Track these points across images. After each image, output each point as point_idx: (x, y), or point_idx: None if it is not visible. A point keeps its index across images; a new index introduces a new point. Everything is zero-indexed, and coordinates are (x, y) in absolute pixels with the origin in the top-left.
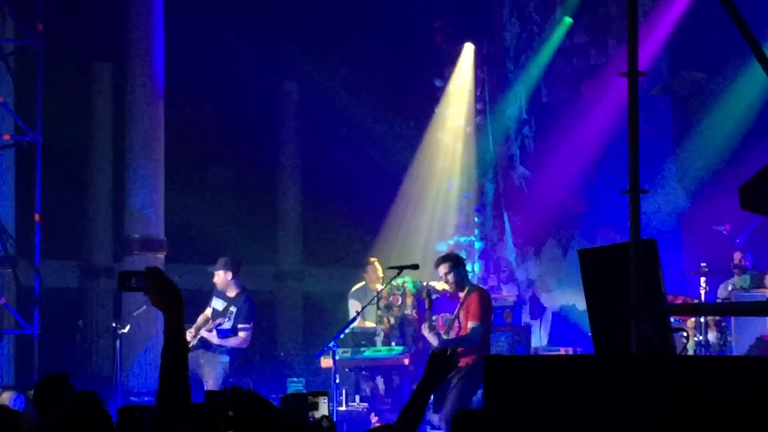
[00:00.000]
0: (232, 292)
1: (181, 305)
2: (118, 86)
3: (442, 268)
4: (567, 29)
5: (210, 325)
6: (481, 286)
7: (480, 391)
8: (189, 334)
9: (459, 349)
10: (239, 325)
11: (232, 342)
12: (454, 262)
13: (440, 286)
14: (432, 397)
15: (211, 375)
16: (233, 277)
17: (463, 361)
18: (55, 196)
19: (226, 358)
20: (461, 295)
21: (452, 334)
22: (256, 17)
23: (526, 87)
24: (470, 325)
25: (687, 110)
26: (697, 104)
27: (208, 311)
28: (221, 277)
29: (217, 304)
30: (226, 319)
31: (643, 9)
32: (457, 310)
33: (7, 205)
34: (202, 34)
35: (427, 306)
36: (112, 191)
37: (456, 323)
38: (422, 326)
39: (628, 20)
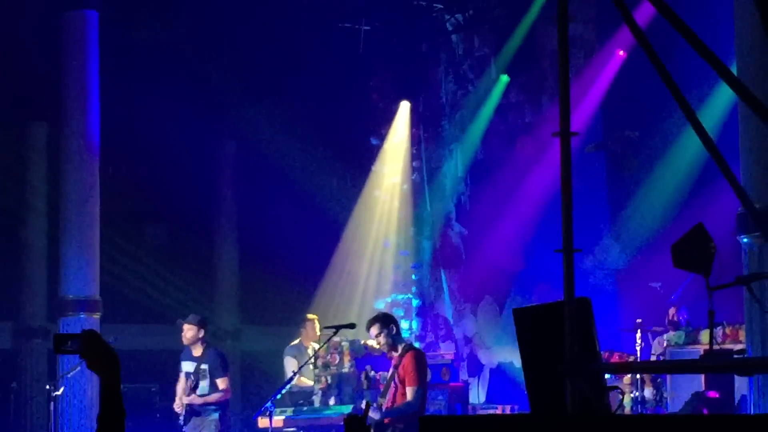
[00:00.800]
0: (198, 351)
1: (117, 367)
2: (53, 145)
3: (374, 330)
4: (504, 87)
5: (187, 389)
6: (413, 345)
7: None
8: (176, 406)
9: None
10: (217, 379)
11: (215, 397)
12: (384, 322)
13: (377, 344)
14: None
15: None
16: (203, 335)
17: (399, 424)
18: None
19: (215, 415)
20: (393, 355)
21: (389, 397)
22: (193, 76)
23: (462, 144)
24: (408, 391)
25: (621, 168)
26: (632, 162)
27: (182, 377)
28: (193, 332)
29: (188, 366)
30: (201, 378)
31: (577, 66)
32: (391, 371)
33: None
34: (137, 93)
35: (365, 386)
36: (47, 251)
37: (392, 385)
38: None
39: (560, 81)
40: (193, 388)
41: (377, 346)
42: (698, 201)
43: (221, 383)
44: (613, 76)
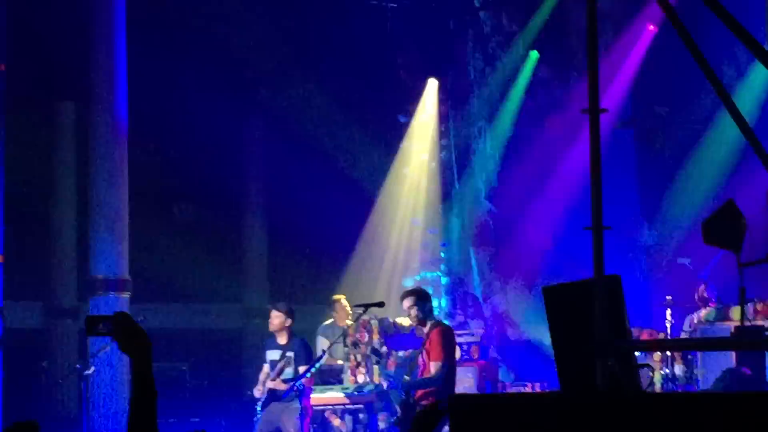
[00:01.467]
0: (283, 339)
1: (148, 349)
2: (82, 126)
3: (406, 302)
4: (534, 64)
5: (273, 374)
6: (443, 322)
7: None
8: (257, 391)
9: (419, 392)
10: (300, 367)
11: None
12: (419, 296)
13: (405, 322)
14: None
15: (291, 422)
16: (290, 324)
17: (427, 400)
18: (19, 237)
19: (297, 403)
20: (424, 330)
21: (417, 373)
22: (221, 54)
23: (490, 122)
24: (432, 366)
25: (651, 145)
26: (661, 139)
27: (266, 366)
28: (281, 319)
29: (273, 355)
30: (287, 365)
31: (605, 42)
32: (421, 346)
33: None
34: (165, 72)
35: (373, 361)
36: (76, 231)
37: (420, 361)
38: (381, 379)
39: (588, 57)
40: (278, 375)
41: (408, 319)
42: (729, 178)
43: (302, 369)
44: (642, 52)
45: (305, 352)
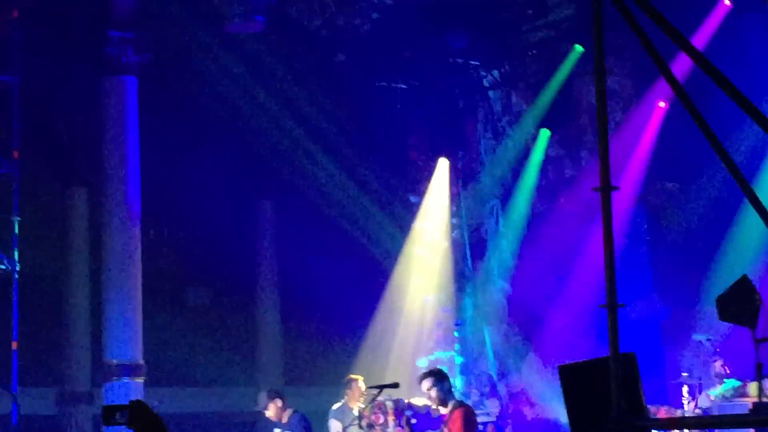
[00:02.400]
0: (285, 417)
1: None
2: (94, 210)
3: (425, 384)
4: (546, 142)
5: None
6: (464, 402)
7: None
8: None
9: None
10: None
11: None
12: (438, 377)
13: (421, 402)
14: None
15: None
16: (283, 403)
17: None
18: (33, 323)
19: None
20: (444, 411)
21: None
22: (230, 137)
23: (502, 200)
24: None
25: (662, 220)
26: (672, 214)
27: None
28: (272, 409)
29: None
30: None
31: (615, 119)
32: (442, 427)
33: None
34: (177, 156)
35: (405, 429)
36: (89, 316)
37: None
38: None
39: (599, 136)
40: None
41: (426, 402)
42: (739, 253)
43: None
44: (652, 128)
45: (302, 427)
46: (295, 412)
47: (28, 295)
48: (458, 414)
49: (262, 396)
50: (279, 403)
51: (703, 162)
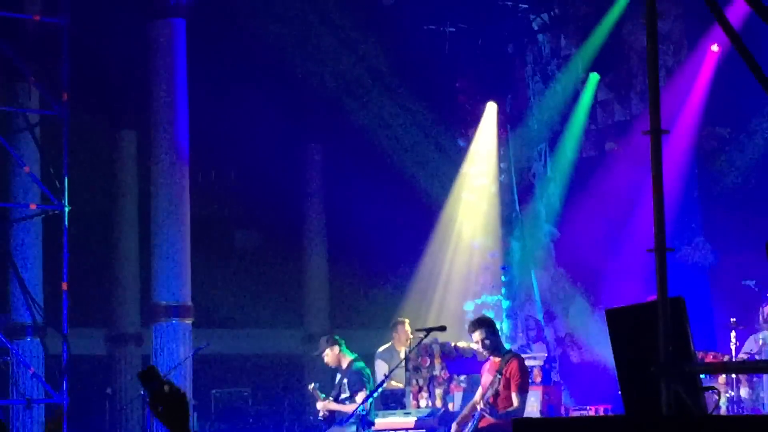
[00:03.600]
0: (345, 364)
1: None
2: (143, 153)
3: (478, 334)
4: (595, 86)
5: (333, 397)
6: (516, 352)
7: None
8: (321, 411)
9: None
10: (355, 394)
11: (349, 408)
12: (490, 328)
13: (467, 345)
14: None
15: None
16: (340, 351)
17: (488, 421)
18: (82, 264)
19: (353, 428)
20: (494, 359)
21: (486, 400)
22: (279, 81)
23: (550, 144)
24: (515, 398)
25: (712, 165)
26: (723, 159)
27: (311, 387)
28: (330, 355)
29: (337, 378)
30: (342, 391)
31: (666, 63)
32: (494, 376)
33: (34, 275)
34: (225, 99)
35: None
36: (138, 258)
37: (495, 390)
38: (479, 403)
39: (648, 79)
40: (335, 398)
41: (478, 349)
42: None
43: (358, 397)
44: (705, 73)
45: (359, 378)
46: (355, 361)
47: (78, 236)
48: (515, 363)
49: (322, 341)
50: (336, 349)
51: (756, 107)
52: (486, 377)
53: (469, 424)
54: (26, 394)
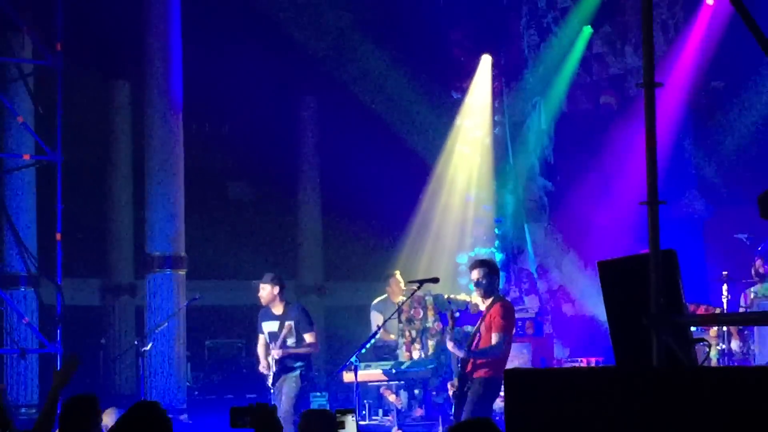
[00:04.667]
0: (278, 309)
1: None
2: (137, 104)
3: (477, 272)
4: (587, 39)
5: (277, 344)
6: (504, 297)
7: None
8: (262, 368)
9: (479, 361)
10: (304, 334)
11: (303, 350)
12: (491, 268)
13: (461, 298)
14: (453, 410)
15: (284, 391)
16: (280, 292)
17: (481, 373)
18: (76, 215)
19: (296, 372)
20: (485, 303)
21: (473, 345)
22: (273, 32)
23: (545, 98)
24: (494, 336)
25: (707, 119)
26: (716, 113)
27: (262, 338)
28: (268, 291)
29: (270, 326)
30: (288, 336)
31: (661, 16)
32: (479, 320)
33: (28, 225)
34: (219, 50)
35: (450, 323)
36: (132, 209)
37: (477, 334)
38: (446, 340)
39: (643, 32)
40: (282, 345)
41: (467, 297)
42: None
43: (309, 337)
44: (700, 27)
45: (305, 316)
46: (291, 302)
47: (72, 187)
48: (497, 308)
49: (268, 275)
50: (276, 290)
51: (752, 62)
52: (477, 324)
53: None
54: (20, 344)
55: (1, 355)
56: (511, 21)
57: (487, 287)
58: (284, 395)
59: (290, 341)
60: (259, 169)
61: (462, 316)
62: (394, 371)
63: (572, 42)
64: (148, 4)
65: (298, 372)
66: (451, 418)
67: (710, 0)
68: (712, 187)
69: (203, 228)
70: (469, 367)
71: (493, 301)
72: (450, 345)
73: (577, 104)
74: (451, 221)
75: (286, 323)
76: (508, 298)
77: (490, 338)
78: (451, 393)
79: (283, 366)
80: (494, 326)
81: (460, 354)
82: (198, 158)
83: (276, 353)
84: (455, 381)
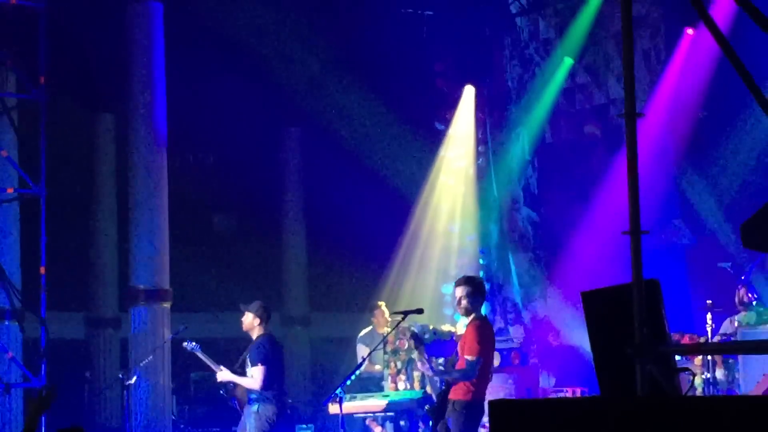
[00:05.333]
0: (255, 336)
1: None
2: (121, 137)
3: (461, 290)
4: (568, 70)
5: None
6: (483, 317)
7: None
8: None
9: (458, 383)
10: (252, 366)
11: (242, 381)
12: (475, 287)
13: (445, 328)
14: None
15: (245, 426)
16: (260, 324)
17: (457, 395)
18: (60, 248)
19: (255, 407)
20: (466, 322)
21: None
22: (256, 64)
23: (528, 128)
24: (466, 358)
25: (690, 148)
26: (699, 142)
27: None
28: (249, 319)
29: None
30: (247, 366)
31: (642, 47)
32: (460, 342)
33: (12, 259)
34: (203, 83)
35: (415, 345)
36: (116, 242)
37: (456, 357)
38: (417, 361)
39: (624, 62)
40: (241, 371)
41: (450, 328)
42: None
43: (253, 371)
44: (680, 56)
45: (256, 350)
46: (261, 336)
47: (56, 220)
48: (471, 328)
49: (255, 304)
50: (257, 321)
51: (731, 89)
52: None
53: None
54: (4, 379)
55: None
56: (494, 52)
57: (468, 305)
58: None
59: (248, 372)
60: (243, 200)
61: (448, 345)
62: (379, 403)
63: (554, 72)
64: (132, 38)
65: (255, 407)
66: None
67: (690, 30)
68: (696, 215)
69: (188, 260)
70: (451, 390)
71: (470, 321)
72: (420, 364)
73: (561, 134)
74: (435, 252)
75: (246, 354)
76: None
77: (464, 360)
78: (427, 408)
79: (244, 397)
80: (467, 348)
81: (429, 373)
82: (182, 190)
83: (219, 376)
84: (434, 396)
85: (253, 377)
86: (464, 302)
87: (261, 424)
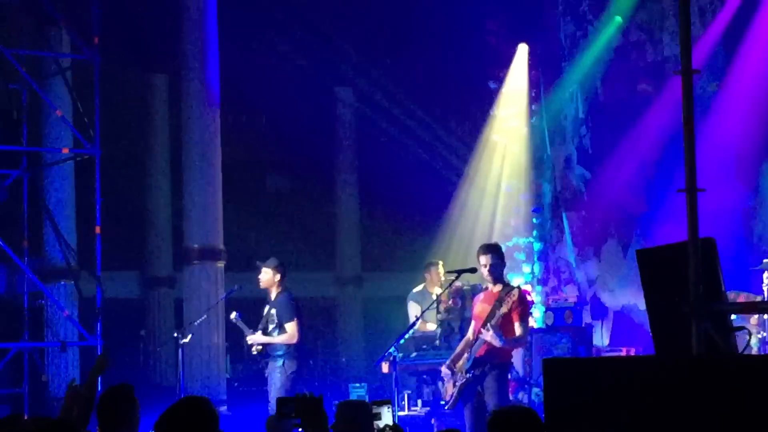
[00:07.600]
0: (273, 295)
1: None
2: (174, 97)
3: (486, 258)
4: (618, 28)
5: (251, 330)
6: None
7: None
8: (253, 350)
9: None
10: (285, 323)
11: (279, 339)
12: (500, 255)
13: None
14: (455, 393)
15: (271, 381)
16: (280, 280)
17: (503, 358)
18: (115, 208)
19: (279, 362)
20: (492, 289)
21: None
22: (310, 24)
23: (582, 86)
24: (518, 326)
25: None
26: (756, 99)
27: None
28: (269, 276)
29: (266, 310)
30: (270, 322)
31: (698, 2)
32: (493, 304)
33: (67, 218)
34: (256, 42)
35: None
36: (170, 201)
37: (500, 319)
38: (484, 329)
39: (680, 17)
40: (263, 332)
41: (482, 273)
42: None
43: (288, 327)
44: (735, 11)
45: (288, 306)
46: (284, 291)
47: (110, 180)
48: (518, 293)
49: (272, 260)
50: (278, 277)
51: None
52: (481, 307)
53: (465, 356)
54: (61, 337)
55: (43, 347)
56: (547, 9)
57: (497, 273)
58: (271, 386)
59: (271, 328)
60: (296, 159)
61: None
62: (433, 361)
63: (607, 30)
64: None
65: (280, 362)
66: (447, 402)
67: None
68: (754, 174)
69: (241, 219)
70: (482, 352)
71: (508, 289)
72: (489, 334)
73: (615, 92)
74: (488, 211)
75: (271, 310)
76: (545, 288)
77: (513, 326)
78: (449, 374)
79: (266, 353)
80: (520, 315)
81: (498, 344)
82: (235, 150)
83: (249, 339)
84: (461, 364)
85: (288, 333)
86: (493, 270)
87: (285, 378)
